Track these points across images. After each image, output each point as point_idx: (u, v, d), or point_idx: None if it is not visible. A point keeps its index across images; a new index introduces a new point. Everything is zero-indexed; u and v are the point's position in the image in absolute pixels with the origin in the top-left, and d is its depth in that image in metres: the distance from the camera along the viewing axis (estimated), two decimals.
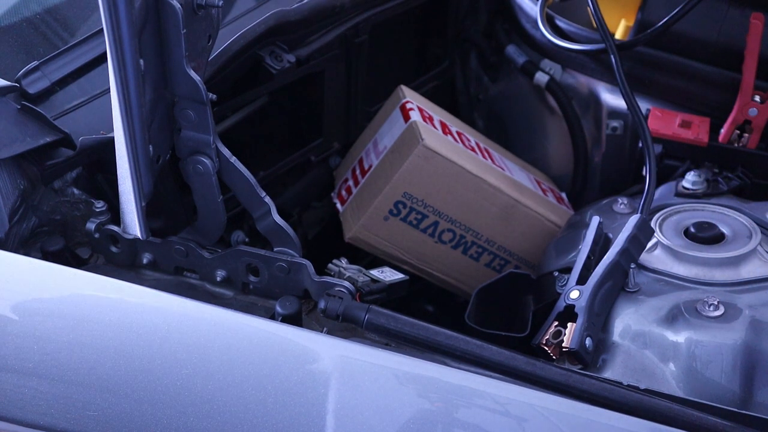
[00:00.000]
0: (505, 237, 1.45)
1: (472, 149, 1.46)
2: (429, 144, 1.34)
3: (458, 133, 1.49)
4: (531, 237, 1.46)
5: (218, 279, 1.07)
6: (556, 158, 1.77)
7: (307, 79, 1.46)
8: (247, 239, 1.22)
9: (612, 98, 1.60)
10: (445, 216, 1.40)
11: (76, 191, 1.10)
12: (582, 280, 1.05)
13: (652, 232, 1.14)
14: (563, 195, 1.65)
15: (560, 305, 1.03)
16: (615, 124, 1.60)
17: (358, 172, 1.49)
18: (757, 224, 1.19)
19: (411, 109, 1.44)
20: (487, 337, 0.90)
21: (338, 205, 1.49)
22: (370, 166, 1.45)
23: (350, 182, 1.50)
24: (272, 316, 0.98)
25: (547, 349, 1.00)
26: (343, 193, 1.50)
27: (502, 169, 1.48)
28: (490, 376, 0.86)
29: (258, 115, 1.43)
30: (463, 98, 1.92)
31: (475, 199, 1.40)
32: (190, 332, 0.87)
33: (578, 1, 1.70)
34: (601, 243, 1.13)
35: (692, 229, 1.17)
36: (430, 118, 1.45)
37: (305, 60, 1.40)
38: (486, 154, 1.49)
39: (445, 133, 1.44)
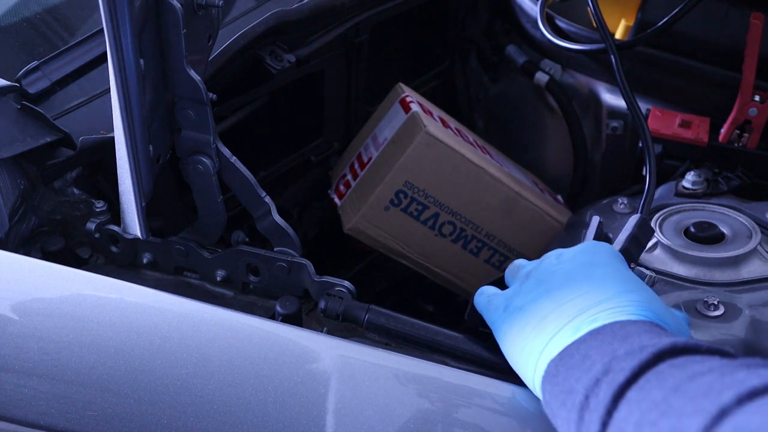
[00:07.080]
0: (505, 231, 1.44)
1: (472, 144, 1.46)
2: (431, 131, 1.33)
3: (457, 130, 1.48)
4: (531, 232, 1.45)
5: (218, 279, 1.07)
6: (555, 158, 1.77)
7: (307, 79, 1.46)
8: (247, 239, 1.22)
9: (612, 98, 1.60)
10: (446, 207, 1.39)
11: (76, 191, 1.09)
12: None
13: (652, 231, 1.14)
14: (559, 197, 1.65)
15: None
16: (615, 124, 1.60)
17: (356, 166, 1.48)
18: (757, 224, 1.19)
19: (411, 101, 1.44)
20: (487, 337, 0.90)
21: (336, 200, 1.48)
22: (370, 159, 1.44)
23: (348, 176, 1.49)
24: (272, 316, 0.98)
25: None
26: (341, 187, 1.49)
27: (501, 165, 1.48)
28: (490, 376, 0.85)
29: (258, 115, 1.43)
30: (463, 98, 1.92)
31: (476, 190, 1.39)
32: (190, 332, 0.87)
33: (578, 1, 1.70)
34: None
35: (692, 229, 1.17)
36: (430, 113, 1.45)
37: (305, 60, 1.40)
38: (484, 151, 1.49)
39: (445, 126, 1.44)
